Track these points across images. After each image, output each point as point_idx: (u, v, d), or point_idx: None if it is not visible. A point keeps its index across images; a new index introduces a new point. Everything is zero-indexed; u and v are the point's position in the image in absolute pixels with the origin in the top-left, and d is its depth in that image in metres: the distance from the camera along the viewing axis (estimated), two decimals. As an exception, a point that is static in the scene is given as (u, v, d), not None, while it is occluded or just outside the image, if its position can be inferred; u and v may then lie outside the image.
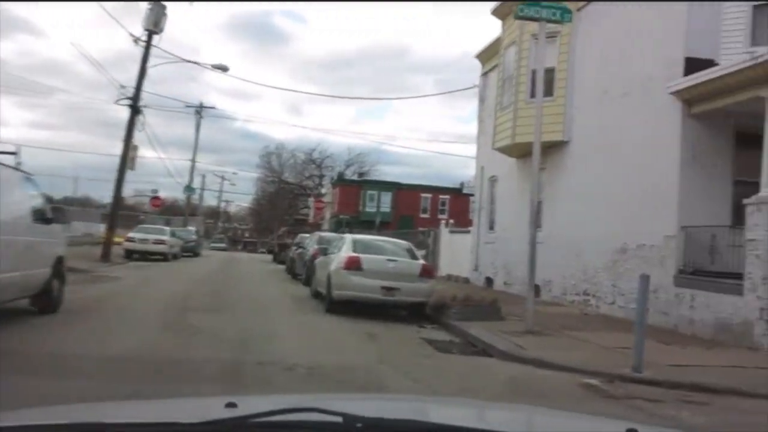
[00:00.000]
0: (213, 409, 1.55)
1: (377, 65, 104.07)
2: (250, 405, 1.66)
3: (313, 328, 10.73)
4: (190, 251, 33.98)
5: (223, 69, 27.43)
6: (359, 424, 1.39)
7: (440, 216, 43.92)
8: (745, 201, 10.07)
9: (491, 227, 20.21)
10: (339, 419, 1.40)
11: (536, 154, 11.27)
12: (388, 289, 11.95)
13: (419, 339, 10.16)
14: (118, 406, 2.25)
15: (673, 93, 11.76)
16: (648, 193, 12.42)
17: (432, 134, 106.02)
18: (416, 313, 12.38)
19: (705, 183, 11.59)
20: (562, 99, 15.85)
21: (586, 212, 14.46)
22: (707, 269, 11.05)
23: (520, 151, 17.43)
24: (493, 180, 20.47)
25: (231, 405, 1.55)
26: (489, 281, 19.71)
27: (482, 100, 22.05)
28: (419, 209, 51.27)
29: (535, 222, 11.17)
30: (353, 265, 12.17)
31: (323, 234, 20.28)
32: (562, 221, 15.53)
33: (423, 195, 52.69)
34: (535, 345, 9.34)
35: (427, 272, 12.42)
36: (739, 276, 9.96)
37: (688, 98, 11.58)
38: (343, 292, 12.13)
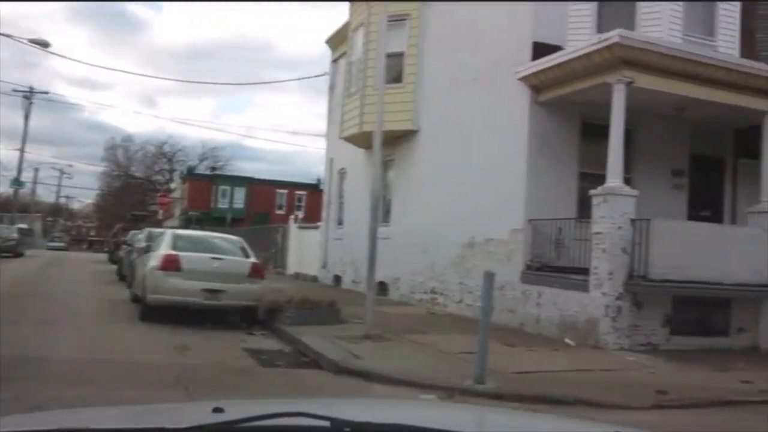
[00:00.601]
0: (200, 414, 1.59)
1: (239, 58, 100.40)
2: (238, 410, 1.59)
3: (112, 341, 8.91)
4: (10, 251, 30.02)
5: (44, 44, 24.21)
6: (347, 429, 1.39)
7: (297, 212, 42.42)
8: (592, 192, 9.57)
9: (340, 222, 19.06)
10: (327, 423, 1.39)
11: (377, 144, 10.22)
12: (212, 292, 10.35)
13: (242, 350, 8.70)
14: (105, 411, 2.16)
15: (520, 79, 11.14)
16: (496, 184, 11.77)
17: (293, 130, 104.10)
18: (248, 318, 10.88)
19: (553, 174, 11.08)
20: (412, 86, 14.98)
21: (435, 205, 13.66)
22: (554, 264, 10.51)
23: (368, 141, 16.34)
24: (342, 173, 19.34)
25: (218, 410, 1.55)
26: (337, 279, 18.57)
27: (332, 87, 20.85)
28: (274, 205, 49.39)
29: (376, 216, 10.10)
30: (170, 264, 10.44)
31: (154, 230, 18.14)
32: (412, 215, 14.66)
33: (279, 191, 50.86)
34: (371, 353, 8.21)
35: (257, 272, 10.95)
36: (585, 271, 9.43)
37: (536, 84, 11.01)
38: (157, 296, 10.37)
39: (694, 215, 11.81)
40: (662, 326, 9.46)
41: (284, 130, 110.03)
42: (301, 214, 37.08)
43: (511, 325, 10.75)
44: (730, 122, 11.99)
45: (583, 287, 9.37)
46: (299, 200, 50.17)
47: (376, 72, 15.50)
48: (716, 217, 12.13)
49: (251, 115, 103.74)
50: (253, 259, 11.28)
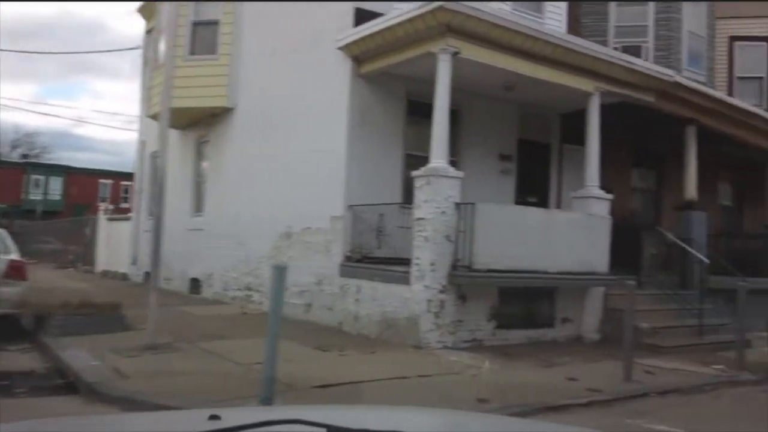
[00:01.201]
0: (196, 421, 1.58)
1: (66, 40, 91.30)
2: (234, 417, 1.54)
3: None
4: None
5: None
6: None
7: (124, 204, 38.74)
8: (414, 173, 8.59)
9: (151, 213, 16.90)
10: (323, 431, 1.39)
11: (164, 122, 8.56)
12: (-50, 298, 8.14)
13: (-25, 372, 6.71)
14: (101, 420, 2.07)
15: (341, 48, 9.95)
16: (316, 167, 10.50)
17: (130, 119, 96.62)
18: (5, 329, 8.74)
19: (377, 155, 10.00)
20: (228, 58, 13.31)
21: (252, 191, 12.15)
22: (376, 255, 9.44)
23: (180, 120, 14.48)
24: (155, 156, 17.17)
25: (214, 417, 1.53)
26: (149, 277, 16.41)
27: (146, 62, 18.52)
28: (97, 197, 44.97)
29: (161, 203, 8.42)
30: None
31: None
32: (227, 203, 13.03)
33: (102, 181, 46.44)
34: (146, 369, 6.60)
35: (17, 272, 8.84)
36: (408, 262, 8.43)
37: (357, 55, 9.86)
38: None
39: (521, 201, 11.32)
40: (488, 320, 8.70)
41: (121, 118, 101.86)
42: (128, 206, 33.74)
43: (330, 325, 9.56)
44: (556, 106, 11.63)
45: (404, 280, 8.36)
46: (126, 191, 46.11)
47: (187, 41, 13.75)
48: (543, 204, 11.74)
49: (84, 102, 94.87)
50: (13, 256, 9.12)
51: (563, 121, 12.19)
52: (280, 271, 5.36)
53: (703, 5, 13.90)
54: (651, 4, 13.15)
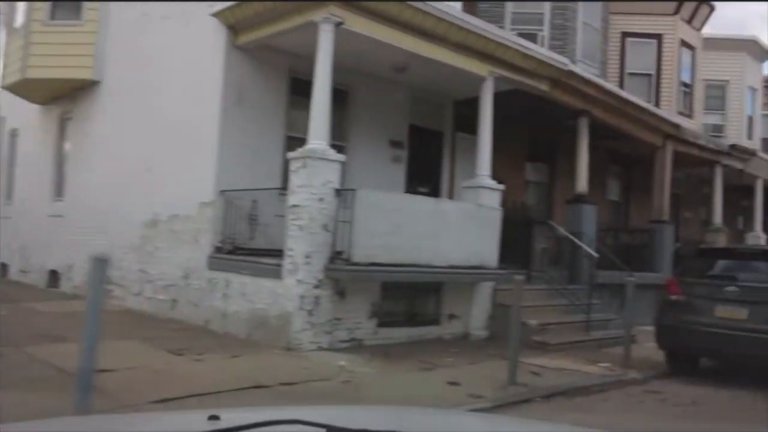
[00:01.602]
0: (196, 422, 1.60)
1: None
2: (233, 418, 1.53)
3: None
4: None
5: None
6: None
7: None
8: (290, 155, 7.74)
9: (9, 197, 15.12)
10: (323, 431, 1.39)
11: None
12: None
13: None
14: (99, 420, 2.10)
15: (215, 15, 8.92)
16: (186, 148, 9.44)
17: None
18: None
19: (255, 136, 9.06)
20: (94, 24, 11.89)
21: (117, 174, 10.87)
22: (249, 246, 8.52)
23: (42, 94, 12.95)
24: (14, 134, 15.37)
25: (214, 418, 1.53)
26: (4, 268, 14.68)
27: (8, 25, 16.56)
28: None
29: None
30: None
31: None
32: (90, 187, 11.65)
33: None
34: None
35: None
36: (282, 254, 7.58)
37: (234, 23, 8.87)
38: None
39: (412, 191, 10.71)
40: (369, 318, 8.00)
41: None
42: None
43: (196, 323, 8.57)
44: (450, 92, 11.11)
45: (276, 274, 7.51)
46: None
47: (48, 4, 12.24)
48: (435, 193, 11.21)
49: None
50: None
51: (457, 109, 11.69)
52: (99, 264, 4.38)
53: (598, -2, 13.82)
54: (548, -6, 12.89)
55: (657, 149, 13.66)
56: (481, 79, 9.61)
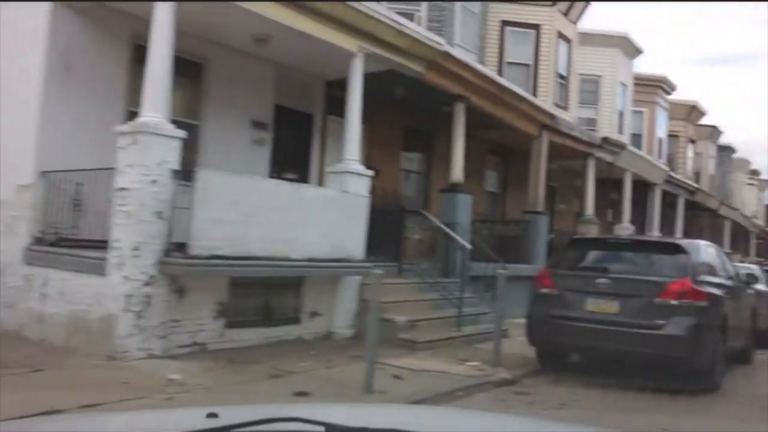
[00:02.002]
0: (194, 419, 1.55)
1: None
2: (232, 415, 1.56)
3: None
4: None
5: None
6: None
7: None
8: (118, 128, 6.61)
9: None
10: (321, 429, 1.37)
11: None
12: None
13: None
14: (97, 418, 2.11)
15: (37, -35, 7.57)
16: (5, 122, 8.01)
17: None
18: None
19: (88, 111, 7.78)
20: None
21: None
22: (78, 236, 7.30)
23: None
24: None
25: (212, 415, 1.53)
26: None
27: None
28: None
29: None
30: None
31: None
32: None
33: None
34: None
35: None
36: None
37: (59, -23, 7.56)
38: None
39: (277, 177, 9.78)
40: (214, 318, 7.03)
41: None
42: None
43: (9, 328, 7.23)
44: (320, 71, 10.28)
45: (99, 269, 6.38)
46: None
47: None
48: (303, 181, 10.34)
49: None
50: None
51: (329, 90, 10.87)
52: None
53: (477, -17, 13.44)
54: (426, -27, 12.31)
55: (533, 139, 13.51)
56: (350, 56, 8.84)
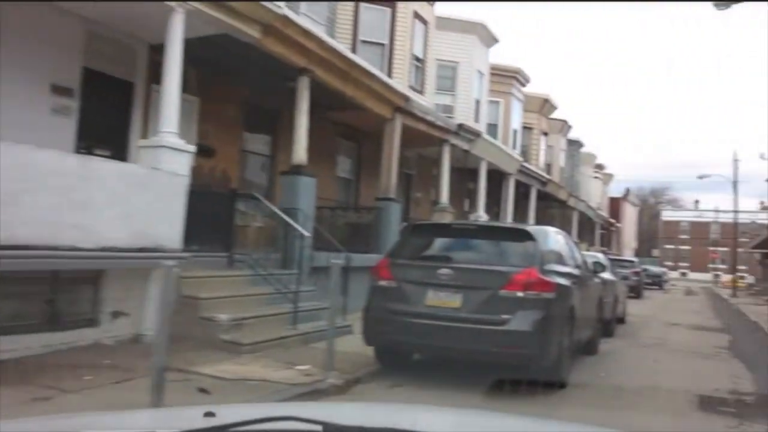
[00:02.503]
0: (191, 418, 1.56)
1: None
2: (229, 414, 1.59)
3: None
4: None
5: None
6: None
7: None
8: None
9: None
10: (319, 428, 1.37)
11: None
12: None
13: None
14: (95, 416, 2.09)
15: None
16: None
17: None
18: None
19: None
20: None
21: None
22: None
23: None
24: None
25: (209, 414, 1.54)
26: None
27: None
28: None
29: None
30: None
31: None
32: None
33: None
34: None
35: None
36: None
37: None
38: None
39: (86, 152, 8.29)
40: (-29, 324, 5.56)
41: None
42: None
43: None
44: (141, 32, 8.88)
45: None
46: None
47: None
48: (120, 157, 8.88)
49: None
50: None
51: (153, 55, 9.43)
52: None
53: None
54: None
55: (386, 122, 12.79)
56: (168, 11, 7.55)
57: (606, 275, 11.45)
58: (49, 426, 1.63)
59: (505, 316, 5.79)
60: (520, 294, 5.81)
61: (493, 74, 21.12)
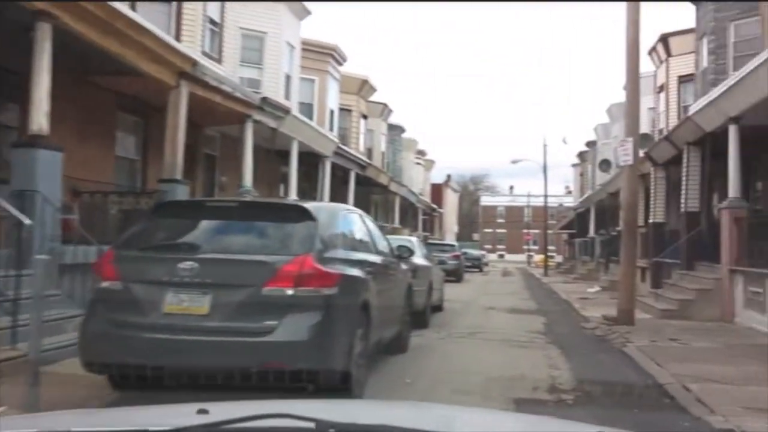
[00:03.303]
0: (185, 415, 1.55)
1: None
2: (222, 411, 1.56)
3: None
4: None
5: None
6: (332, 430, 1.37)
7: None
8: None
9: None
10: (312, 425, 1.37)
11: None
12: None
13: None
14: (88, 414, 2.11)
15: None
16: None
17: None
18: None
19: None
20: None
21: None
22: None
23: None
24: None
25: (203, 411, 1.53)
26: None
27: None
28: None
29: None
30: None
31: None
32: None
33: None
34: None
35: None
36: None
37: None
38: None
39: None
40: None
41: None
42: None
43: None
44: None
45: None
46: None
47: None
48: None
49: None
50: None
51: None
52: None
53: None
54: None
55: (170, 90, 10.83)
56: None
57: (419, 260, 10.46)
58: (38, 424, 1.57)
59: (269, 323, 4.31)
60: (289, 291, 4.35)
61: (306, 50, 19.71)
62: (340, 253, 5.01)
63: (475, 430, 1.85)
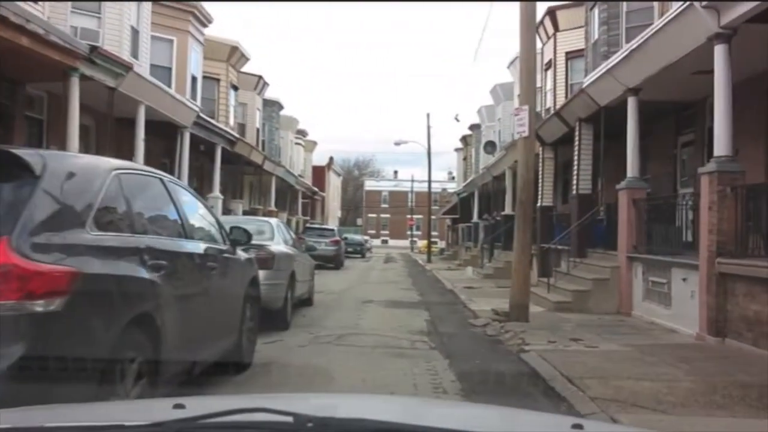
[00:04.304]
0: (160, 410, 1.54)
1: None
2: (199, 406, 1.55)
3: None
4: None
5: None
6: (310, 424, 1.33)
7: None
8: None
9: None
10: (289, 419, 1.33)
11: None
12: None
13: None
14: (62, 409, 1.92)
15: None
16: None
17: None
18: None
19: None
20: None
21: None
22: None
23: None
24: None
25: (179, 406, 1.49)
26: None
27: None
28: None
29: None
30: None
31: None
32: None
33: None
34: None
35: None
36: None
37: None
38: None
39: None
40: None
41: None
42: None
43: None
44: None
45: None
46: None
47: None
48: None
49: None
50: None
51: None
52: None
53: None
54: None
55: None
56: None
57: (278, 247, 8.52)
58: (11, 420, 1.50)
59: None
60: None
61: (162, 5, 17.11)
62: (88, 238, 2.97)
63: (474, 429, 1.67)
